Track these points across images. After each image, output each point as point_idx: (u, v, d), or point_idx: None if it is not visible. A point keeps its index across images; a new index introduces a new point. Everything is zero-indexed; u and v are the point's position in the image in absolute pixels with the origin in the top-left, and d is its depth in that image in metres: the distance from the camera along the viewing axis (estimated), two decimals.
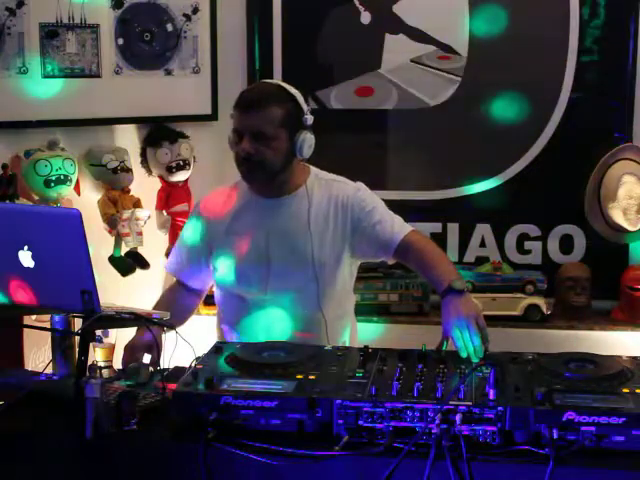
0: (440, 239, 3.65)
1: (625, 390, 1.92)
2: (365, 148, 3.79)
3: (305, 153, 2.50)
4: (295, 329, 2.53)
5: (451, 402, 1.85)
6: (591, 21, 3.58)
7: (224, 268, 2.60)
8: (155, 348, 2.28)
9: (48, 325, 2.33)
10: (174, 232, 3.62)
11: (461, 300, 2.26)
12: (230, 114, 2.51)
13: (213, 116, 3.70)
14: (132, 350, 2.39)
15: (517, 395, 1.89)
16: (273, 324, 2.54)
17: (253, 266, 2.55)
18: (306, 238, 2.51)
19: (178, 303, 2.66)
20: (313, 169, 2.63)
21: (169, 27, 3.54)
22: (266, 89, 2.52)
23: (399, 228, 2.56)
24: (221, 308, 2.70)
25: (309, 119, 2.50)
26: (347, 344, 2.60)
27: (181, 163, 3.53)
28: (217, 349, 2.23)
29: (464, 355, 2.15)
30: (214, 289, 2.74)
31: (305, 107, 2.51)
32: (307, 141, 2.48)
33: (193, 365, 2.12)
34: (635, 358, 2.13)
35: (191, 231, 2.68)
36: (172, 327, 2.31)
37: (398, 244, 2.53)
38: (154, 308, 2.61)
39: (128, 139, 3.52)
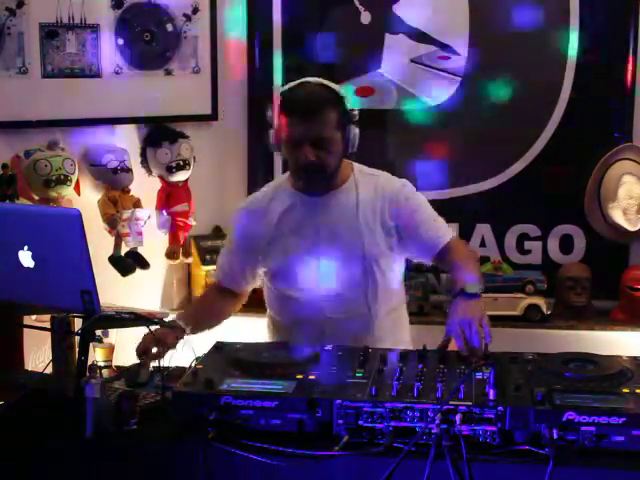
0: None
1: (625, 390, 1.92)
2: (365, 148, 3.79)
3: (355, 148, 2.50)
4: (346, 326, 2.51)
5: (451, 402, 1.86)
6: (591, 21, 3.58)
7: (274, 269, 2.58)
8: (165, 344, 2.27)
9: (48, 325, 2.33)
10: (174, 232, 3.62)
11: (469, 302, 2.26)
12: (269, 115, 2.49)
13: (213, 116, 3.71)
14: (149, 340, 2.37)
15: (517, 395, 1.90)
16: (324, 322, 2.52)
17: (303, 264, 2.53)
18: (355, 232, 2.50)
19: (216, 305, 2.66)
20: (355, 164, 2.62)
21: (169, 27, 3.54)
22: (316, 92, 2.46)
23: (443, 232, 2.55)
24: (272, 308, 2.68)
25: (356, 114, 2.48)
26: (399, 340, 2.56)
27: (181, 163, 3.53)
28: (217, 349, 2.23)
29: (464, 354, 2.15)
30: (264, 290, 2.70)
31: (350, 102, 2.50)
32: (357, 136, 2.49)
33: (193, 365, 2.12)
34: (635, 358, 2.14)
35: (235, 236, 2.65)
36: (172, 327, 2.31)
37: (440, 249, 2.52)
38: (194, 304, 2.57)
39: (128, 139, 3.52)
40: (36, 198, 3.16)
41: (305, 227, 2.54)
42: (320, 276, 2.52)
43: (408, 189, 2.59)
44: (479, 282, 2.34)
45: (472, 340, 2.14)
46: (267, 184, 2.67)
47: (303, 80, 2.51)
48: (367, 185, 2.56)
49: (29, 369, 2.61)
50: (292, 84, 2.50)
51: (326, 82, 2.50)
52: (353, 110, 2.48)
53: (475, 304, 2.26)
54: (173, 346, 2.30)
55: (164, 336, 2.31)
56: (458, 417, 1.83)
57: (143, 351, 2.30)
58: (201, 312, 2.64)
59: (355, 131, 2.48)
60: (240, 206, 2.69)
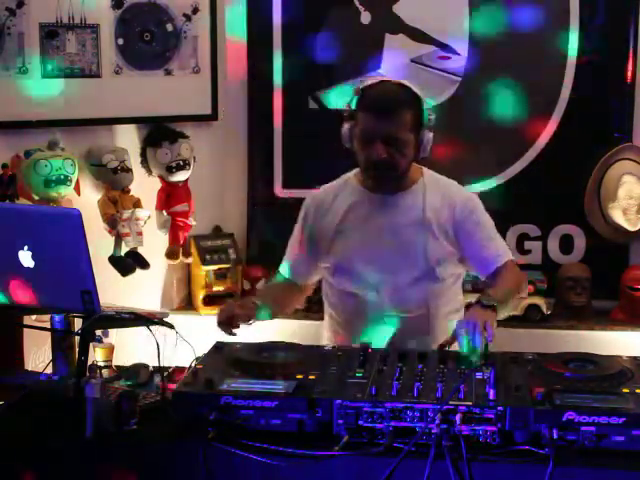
0: None
1: (625, 390, 1.92)
2: None
3: (427, 152, 2.50)
4: (404, 325, 2.51)
5: (451, 402, 1.86)
6: (591, 21, 3.58)
7: (336, 264, 2.57)
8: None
9: (48, 325, 2.33)
10: (174, 232, 3.62)
11: (481, 310, 2.27)
12: (347, 111, 2.48)
13: (213, 116, 3.70)
14: (232, 306, 2.41)
15: (517, 395, 1.90)
16: (383, 320, 2.51)
17: (365, 261, 2.53)
18: (420, 234, 2.49)
19: (280, 295, 2.67)
20: (425, 168, 2.62)
21: (169, 27, 3.54)
22: (396, 92, 2.46)
23: (502, 252, 2.54)
24: (331, 304, 2.66)
25: (433, 118, 2.48)
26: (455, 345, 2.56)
27: (181, 163, 3.53)
28: (217, 349, 2.23)
29: (464, 351, 2.15)
30: (323, 286, 2.70)
31: (427, 105, 2.49)
32: (430, 141, 2.48)
33: (193, 365, 2.12)
34: (635, 358, 2.14)
35: (300, 229, 2.66)
36: (172, 327, 2.31)
37: (495, 269, 2.51)
38: (259, 293, 2.63)
39: (128, 139, 3.52)
40: (36, 198, 3.15)
41: (369, 225, 2.54)
42: (381, 274, 2.51)
43: (474, 202, 2.58)
44: (504, 304, 2.33)
45: (473, 339, 2.14)
46: (336, 179, 2.66)
47: (382, 78, 2.52)
48: (435, 191, 2.55)
49: (29, 369, 2.61)
50: (371, 81, 2.50)
51: (406, 83, 2.50)
52: (430, 114, 2.47)
53: (485, 312, 2.26)
54: (253, 315, 2.37)
55: (246, 303, 2.39)
56: (458, 417, 1.83)
57: (227, 317, 2.35)
58: (266, 301, 2.62)
59: (429, 136, 2.47)
60: (307, 200, 2.68)
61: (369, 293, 2.53)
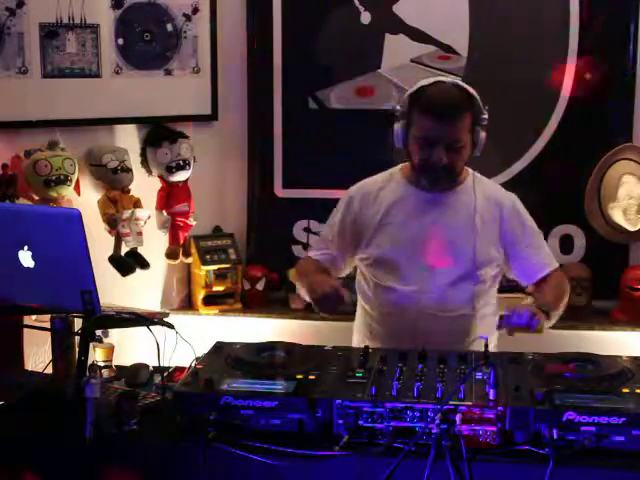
0: None
1: (625, 390, 1.93)
2: (365, 148, 3.79)
3: (480, 151, 2.50)
4: (439, 325, 2.50)
5: (451, 402, 1.86)
6: (591, 21, 3.58)
7: (376, 256, 2.56)
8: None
9: (48, 325, 2.33)
10: (174, 232, 3.62)
11: (535, 308, 2.31)
12: (399, 111, 2.47)
13: (213, 116, 3.70)
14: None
15: (517, 395, 1.90)
16: (420, 317, 2.50)
17: (408, 257, 2.52)
18: (468, 233, 2.49)
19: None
20: (468, 168, 2.61)
21: (169, 27, 3.54)
22: (454, 94, 2.45)
23: (549, 260, 2.56)
24: (365, 298, 2.65)
25: (486, 117, 2.47)
26: (493, 343, 2.54)
27: (181, 163, 3.53)
28: (217, 349, 2.23)
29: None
30: (358, 279, 2.68)
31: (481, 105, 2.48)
32: (484, 140, 2.47)
33: (193, 365, 2.12)
34: (635, 358, 2.14)
35: (340, 218, 2.63)
36: (172, 327, 2.31)
37: (542, 277, 2.52)
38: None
39: (128, 139, 3.52)
40: (36, 198, 3.15)
41: (414, 221, 2.53)
42: (423, 271, 2.50)
43: (519, 204, 2.60)
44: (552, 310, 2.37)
45: (521, 315, 2.20)
46: (380, 173, 2.65)
47: (438, 79, 2.51)
48: (482, 190, 2.55)
49: (29, 369, 2.61)
50: (426, 82, 2.48)
51: (460, 82, 2.50)
52: (483, 113, 2.46)
53: (539, 311, 2.29)
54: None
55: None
56: (458, 417, 1.83)
57: (338, 296, 2.31)
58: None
59: (483, 134, 2.46)
60: (350, 190, 2.66)
61: (408, 288, 2.52)
